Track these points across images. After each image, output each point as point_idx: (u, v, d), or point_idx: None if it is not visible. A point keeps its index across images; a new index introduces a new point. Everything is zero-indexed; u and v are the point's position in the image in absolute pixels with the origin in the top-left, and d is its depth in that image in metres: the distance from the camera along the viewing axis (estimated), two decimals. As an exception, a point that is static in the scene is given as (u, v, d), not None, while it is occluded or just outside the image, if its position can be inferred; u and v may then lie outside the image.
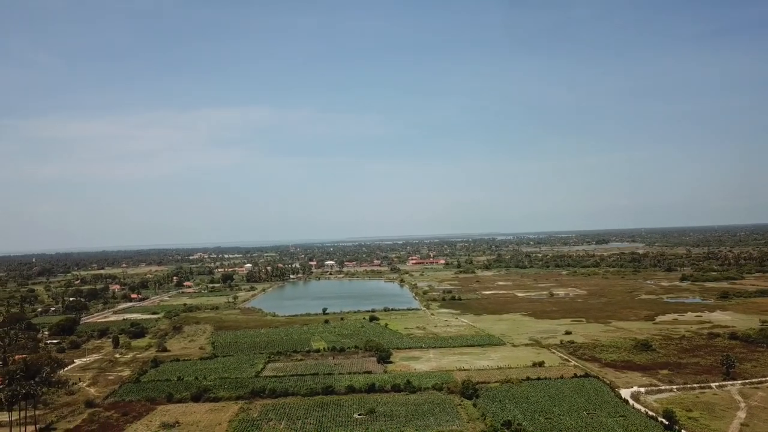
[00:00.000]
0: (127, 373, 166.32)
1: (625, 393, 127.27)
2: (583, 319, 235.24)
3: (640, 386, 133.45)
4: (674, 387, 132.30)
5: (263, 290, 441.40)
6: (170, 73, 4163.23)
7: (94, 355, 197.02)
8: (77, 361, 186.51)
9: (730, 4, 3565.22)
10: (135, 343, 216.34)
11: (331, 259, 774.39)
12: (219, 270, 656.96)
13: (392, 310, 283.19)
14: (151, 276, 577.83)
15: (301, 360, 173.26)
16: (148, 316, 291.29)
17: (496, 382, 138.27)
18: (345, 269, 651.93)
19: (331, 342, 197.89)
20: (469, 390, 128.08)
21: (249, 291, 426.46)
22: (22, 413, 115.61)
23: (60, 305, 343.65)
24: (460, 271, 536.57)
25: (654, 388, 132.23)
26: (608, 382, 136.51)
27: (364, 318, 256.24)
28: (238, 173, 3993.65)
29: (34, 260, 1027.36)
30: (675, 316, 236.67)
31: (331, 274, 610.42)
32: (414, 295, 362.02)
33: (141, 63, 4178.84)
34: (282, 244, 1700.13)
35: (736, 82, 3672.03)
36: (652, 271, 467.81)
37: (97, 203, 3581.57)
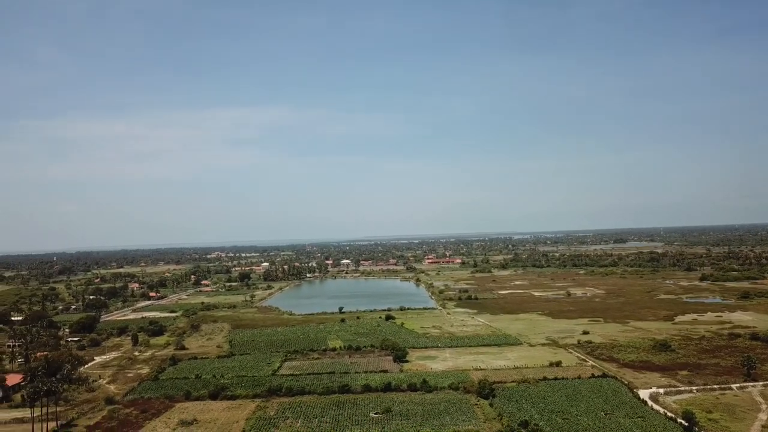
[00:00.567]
0: (146, 370, 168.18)
1: (643, 394, 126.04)
2: (601, 319, 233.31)
3: (658, 387, 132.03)
4: (694, 388, 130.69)
5: (280, 289, 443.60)
6: (185, 73, 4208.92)
7: (113, 353, 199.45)
8: (97, 359, 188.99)
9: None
10: (154, 341, 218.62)
11: (347, 258, 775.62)
12: (236, 269, 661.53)
13: (408, 309, 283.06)
14: (169, 275, 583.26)
15: (317, 359, 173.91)
16: (167, 315, 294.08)
17: (512, 381, 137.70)
18: (361, 268, 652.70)
19: (348, 341, 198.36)
20: (486, 390, 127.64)
21: (266, 290, 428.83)
22: (44, 409, 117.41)
23: (80, 303, 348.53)
24: (477, 271, 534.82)
25: (673, 389, 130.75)
26: (626, 382, 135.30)
27: (380, 317, 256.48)
28: (254, 172, 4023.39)
29: (55, 259, 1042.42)
30: (695, 316, 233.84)
31: (347, 273, 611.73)
32: (430, 295, 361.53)
33: (156, 63, 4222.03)
34: (298, 243, 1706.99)
35: (746, 80, 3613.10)
36: (671, 271, 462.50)
37: (115, 202, 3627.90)
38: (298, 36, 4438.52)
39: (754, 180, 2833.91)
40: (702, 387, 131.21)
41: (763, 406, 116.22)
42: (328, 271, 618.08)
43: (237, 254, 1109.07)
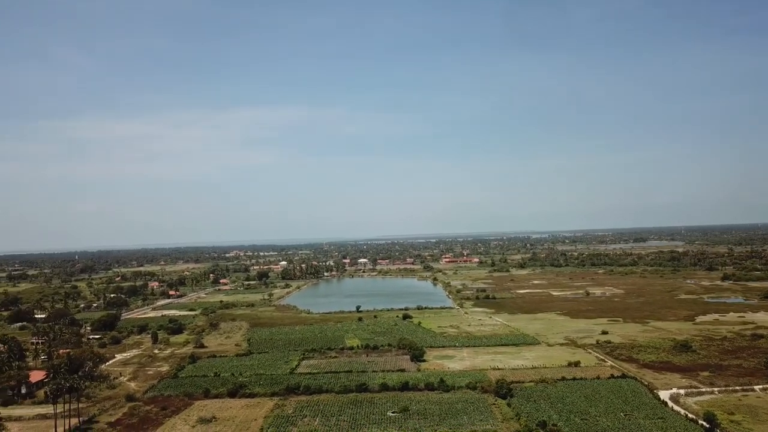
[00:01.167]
0: (165, 368, 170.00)
1: (663, 395, 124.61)
2: (620, 319, 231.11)
3: (679, 388, 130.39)
4: (715, 389, 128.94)
5: (298, 287, 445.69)
6: (203, 73, 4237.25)
7: (134, 351, 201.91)
8: (118, 356, 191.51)
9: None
10: (173, 339, 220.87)
11: (365, 257, 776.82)
12: (254, 267, 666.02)
13: (425, 308, 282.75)
14: (188, 273, 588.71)
15: (335, 357, 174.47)
16: (186, 313, 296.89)
17: (530, 381, 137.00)
18: (378, 267, 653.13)
19: (365, 339, 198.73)
20: (504, 389, 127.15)
21: (284, 288, 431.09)
22: (66, 406, 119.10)
23: (101, 301, 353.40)
24: (494, 270, 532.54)
25: (694, 390, 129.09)
26: (646, 383, 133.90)
27: (397, 316, 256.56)
28: (271, 172, 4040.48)
29: (76, 257, 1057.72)
30: (716, 316, 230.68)
31: (364, 272, 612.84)
32: (447, 294, 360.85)
33: (174, 63, 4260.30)
34: (316, 242, 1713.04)
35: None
36: (692, 270, 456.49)
37: (134, 202, 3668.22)
38: (312, 36, 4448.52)
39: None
40: (724, 388, 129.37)
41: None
42: (346, 270, 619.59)
43: (255, 253, 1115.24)
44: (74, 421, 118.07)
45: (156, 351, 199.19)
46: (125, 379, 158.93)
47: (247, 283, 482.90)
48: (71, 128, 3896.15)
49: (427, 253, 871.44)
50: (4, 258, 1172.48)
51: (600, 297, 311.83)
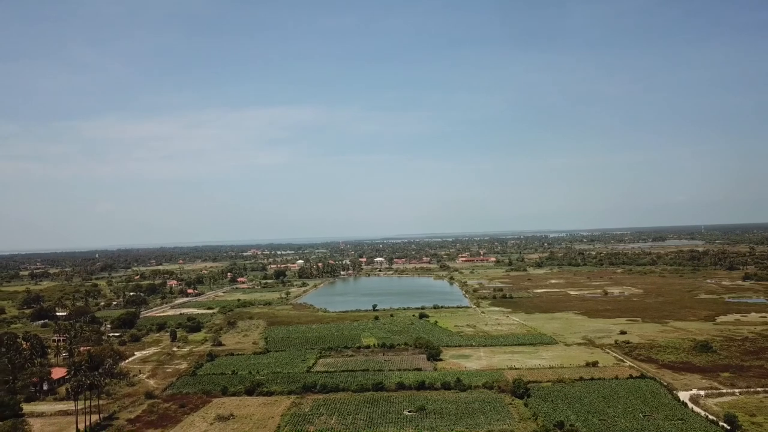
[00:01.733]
0: (184, 366, 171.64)
1: (683, 395, 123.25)
2: (639, 319, 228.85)
3: (699, 389, 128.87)
4: (736, 390, 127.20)
5: (314, 286, 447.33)
6: (220, 73, 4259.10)
7: (153, 348, 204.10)
8: (137, 354, 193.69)
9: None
10: (191, 337, 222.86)
11: (381, 256, 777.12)
12: (272, 266, 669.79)
13: (442, 307, 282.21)
14: (206, 272, 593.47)
15: (351, 356, 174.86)
16: (204, 311, 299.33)
17: (548, 381, 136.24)
18: (394, 266, 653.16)
19: (381, 338, 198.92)
20: (521, 389, 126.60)
21: (301, 287, 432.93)
22: (87, 402, 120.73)
23: (121, 300, 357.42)
24: (512, 269, 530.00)
25: (714, 391, 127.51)
26: (665, 383, 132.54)
27: (413, 315, 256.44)
28: (287, 171, 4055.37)
29: (97, 256, 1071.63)
30: (737, 316, 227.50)
31: (380, 270, 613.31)
32: (464, 293, 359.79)
33: (192, 64, 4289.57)
34: (333, 240, 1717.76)
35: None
36: (712, 270, 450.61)
37: (153, 201, 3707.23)
38: (326, 35, 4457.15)
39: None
40: (745, 389, 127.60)
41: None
42: (362, 269, 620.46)
43: (272, 252, 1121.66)
44: (95, 417, 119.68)
45: (174, 349, 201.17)
46: (144, 376, 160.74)
47: (264, 281, 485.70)
48: (91, 128, 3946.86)
49: (443, 252, 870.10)
50: (27, 257, 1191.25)
51: (618, 296, 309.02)
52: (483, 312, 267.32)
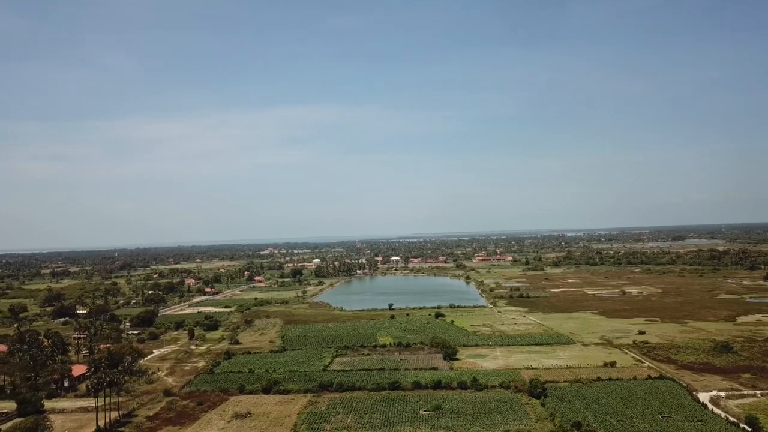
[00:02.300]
0: (201, 364, 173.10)
1: (703, 397, 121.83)
2: (658, 319, 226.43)
3: (719, 390, 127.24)
4: (758, 392, 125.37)
5: (331, 285, 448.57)
6: (241, 73, 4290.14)
7: (171, 346, 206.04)
8: (156, 352, 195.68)
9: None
10: (209, 335, 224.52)
11: (397, 255, 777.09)
12: (288, 265, 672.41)
13: (458, 306, 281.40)
14: (223, 271, 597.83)
15: (367, 355, 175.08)
16: (221, 310, 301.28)
17: (565, 381, 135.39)
18: (410, 265, 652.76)
19: (397, 337, 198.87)
20: (537, 389, 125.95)
21: (317, 286, 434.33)
22: (107, 399, 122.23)
23: (140, 298, 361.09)
24: (528, 269, 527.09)
25: (735, 392, 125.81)
26: (685, 384, 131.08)
27: (429, 314, 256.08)
28: (306, 170, 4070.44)
29: (116, 255, 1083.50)
30: (759, 317, 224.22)
31: (396, 269, 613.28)
32: (480, 293, 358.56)
33: (213, 65, 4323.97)
34: (349, 239, 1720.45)
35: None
36: (733, 270, 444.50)
37: (172, 200, 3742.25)
38: (346, 35, 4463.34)
39: None
40: (766, 391, 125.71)
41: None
42: (378, 268, 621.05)
43: (289, 251, 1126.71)
44: (114, 414, 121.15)
45: (192, 347, 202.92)
46: (163, 374, 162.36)
47: (281, 280, 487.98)
48: (113, 129, 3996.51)
49: (459, 252, 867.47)
50: (48, 256, 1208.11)
51: (636, 296, 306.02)
52: (499, 311, 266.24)
